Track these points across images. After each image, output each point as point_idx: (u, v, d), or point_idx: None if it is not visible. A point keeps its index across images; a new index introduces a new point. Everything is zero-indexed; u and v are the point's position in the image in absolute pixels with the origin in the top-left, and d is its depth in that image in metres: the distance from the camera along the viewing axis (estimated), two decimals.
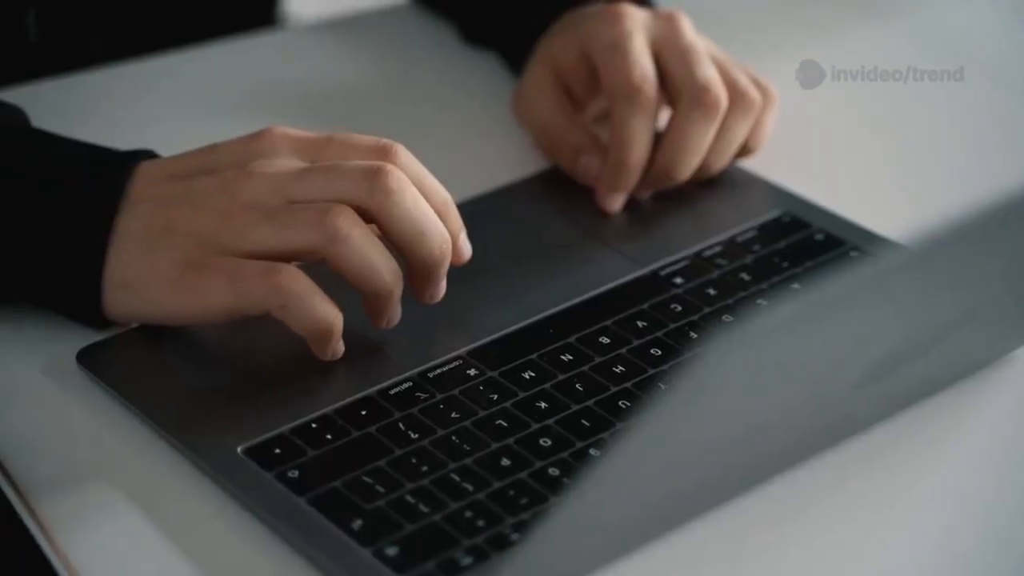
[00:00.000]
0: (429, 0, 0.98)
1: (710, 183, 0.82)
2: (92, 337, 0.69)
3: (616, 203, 0.80)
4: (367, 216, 0.67)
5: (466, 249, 0.71)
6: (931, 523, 0.64)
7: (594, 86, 0.83)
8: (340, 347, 0.68)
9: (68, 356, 0.68)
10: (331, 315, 0.66)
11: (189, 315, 0.67)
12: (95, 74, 0.90)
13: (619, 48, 0.79)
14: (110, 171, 0.68)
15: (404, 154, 0.69)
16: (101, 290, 0.67)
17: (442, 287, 0.70)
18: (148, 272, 0.66)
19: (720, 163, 0.81)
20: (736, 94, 0.80)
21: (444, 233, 0.68)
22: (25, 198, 0.67)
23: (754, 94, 0.80)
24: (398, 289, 0.67)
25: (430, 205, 0.68)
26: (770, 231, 0.79)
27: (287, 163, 0.68)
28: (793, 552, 0.62)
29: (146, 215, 0.67)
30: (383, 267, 0.66)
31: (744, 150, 0.82)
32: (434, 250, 0.68)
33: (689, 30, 0.81)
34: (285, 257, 0.66)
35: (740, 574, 0.62)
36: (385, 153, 0.68)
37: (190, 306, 0.66)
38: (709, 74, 0.79)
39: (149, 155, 0.70)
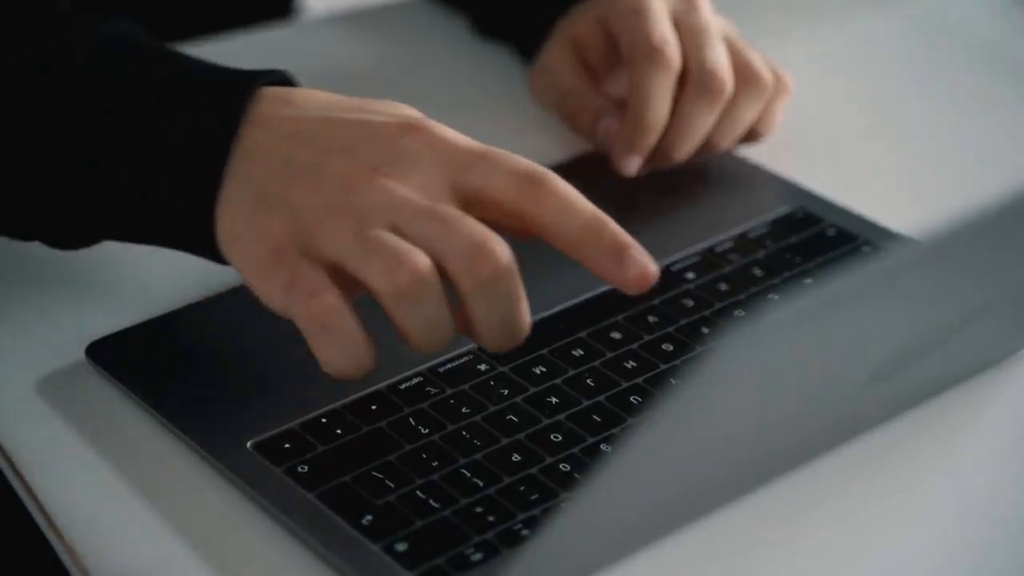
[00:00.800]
0: None
1: (721, 178, 0.82)
2: (101, 332, 0.69)
3: (633, 165, 0.80)
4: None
5: (635, 266, 0.63)
6: (940, 521, 0.64)
7: (612, 58, 0.84)
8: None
9: (78, 350, 0.68)
10: (356, 360, 0.62)
11: (256, 292, 0.63)
12: None
13: (640, 12, 0.80)
14: (231, 103, 0.64)
15: (553, 182, 0.63)
16: (215, 231, 0.64)
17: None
18: (245, 230, 0.63)
19: (724, 144, 0.81)
20: (747, 76, 0.80)
21: (525, 332, 0.63)
22: (153, 115, 0.65)
23: (766, 78, 0.80)
24: (438, 349, 0.63)
25: (576, 228, 0.62)
26: (782, 226, 0.78)
27: (421, 182, 0.62)
28: (803, 549, 0.62)
29: (269, 175, 0.63)
30: (432, 335, 0.62)
31: (752, 134, 0.83)
32: (510, 345, 0.63)
33: (707, 9, 0.81)
34: (353, 283, 0.62)
35: (750, 571, 0.61)
36: (534, 182, 0.63)
37: (255, 286, 0.63)
38: (718, 58, 0.79)
39: (277, 76, 0.66)
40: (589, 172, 0.81)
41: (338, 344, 0.61)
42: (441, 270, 0.61)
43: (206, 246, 0.65)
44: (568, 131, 0.85)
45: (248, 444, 0.64)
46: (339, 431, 0.65)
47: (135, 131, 0.65)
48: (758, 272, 0.75)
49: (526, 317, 0.63)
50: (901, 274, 0.53)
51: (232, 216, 0.63)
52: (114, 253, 0.71)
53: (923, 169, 0.86)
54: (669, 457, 0.55)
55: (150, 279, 0.73)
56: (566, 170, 0.81)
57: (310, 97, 0.66)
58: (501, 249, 0.61)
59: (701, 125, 0.80)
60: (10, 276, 0.73)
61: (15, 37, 0.67)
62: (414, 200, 0.62)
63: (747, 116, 0.81)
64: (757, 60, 0.81)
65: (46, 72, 0.66)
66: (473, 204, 0.63)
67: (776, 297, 0.73)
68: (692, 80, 0.79)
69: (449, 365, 0.68)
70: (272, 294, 0.62)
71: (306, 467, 0.63)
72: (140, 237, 0.67)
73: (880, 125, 0.90)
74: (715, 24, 0.81)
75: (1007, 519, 0.64)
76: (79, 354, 0.68)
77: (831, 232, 0.78)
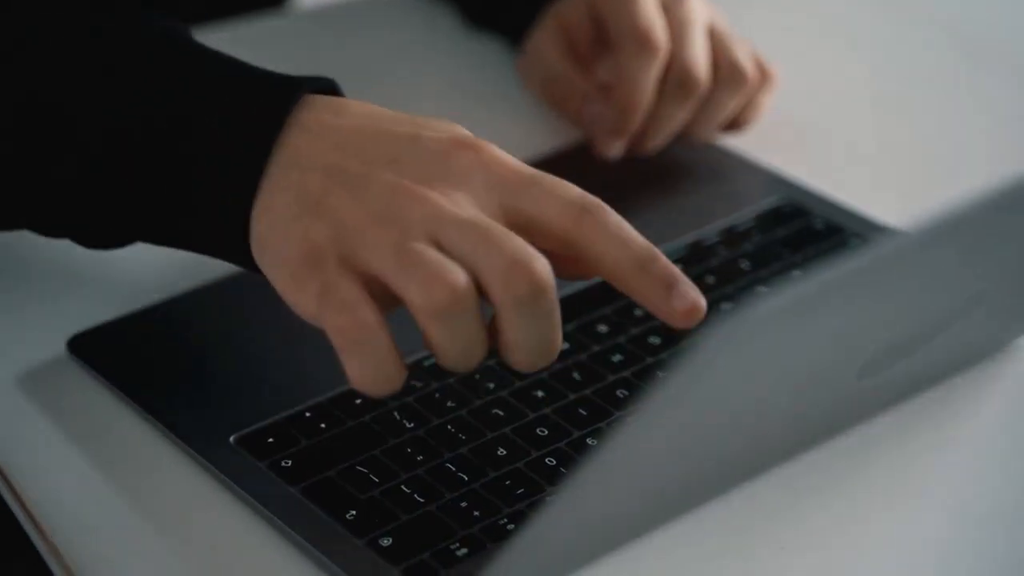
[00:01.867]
0: None
1: (708, 171, 0.82)
2: (82, 325, 0.68)
3: (616, 148, 0.81)
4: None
5: (684, 300, 0.61)
6: (932, 513, 0.64)
7: (600, 44, 0.84)
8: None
9: (59, 344, 0.68)
10: (385, 379, 0.59)
11: (286, 298, 0.62)
12: None
13: None
14: (277, 98, 0.63)
15: (606, 213, 0.61)
16: (250, 216, 0.62)
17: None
18: (282, 235, 0.61)
19: (702, 135, 0.82)
20: (727, 70, 0.80)
21: (556, 352, 0.62)
22: (194, 111, 0.63)
23: (746, 72, 0.80)
24: (470, 369, 0.62)
25: (627, 260, 0.61)
26: (769, 219, 0.78)
27: (470, 200, 0.61)
28: (792, 543, 0.62)
29: (310, 182, 0.61)
30: (461, 360, 0.60)
31: (734, 124, 0.83)
32: (541, 365, 0.61)
33: (693, 2, 0.82)
34: (389, 297, 0.60)
35: (738, 564, 0.61)
36: (588, 211, 0.61)
37: (285, 291, 0.61)
38: (695, 53, 0.80)
39: (322, 83, 0.65)
40: (577, 164, 0.81)
41: (370, 361, 0.59)
42: (479, 286, 0.59)
43: (239, 250, 0.63)
44: (558, 122, 0.85)
45: (231, 439, 0.63)
46: (323, 425, 0.64)
47: (176, 128, 0.63)
48: (745, 265, 0.75)
49: (559, 337, 0.60)
50: (890, 267, 0.53)
51: (270, 220, 0.61)
52: None
53: (912, 161, 0.86)
54: (656, 451, 0.55)
55: (133, 272, 0.73)
56: (554, 162, 0.82)
57: (359, 107, 0.64)
58: (542, 266, 0.59)
59: (674, 119, 0.80)
60: None
61: (68, 20, 0.65)
62: (458, 213, 0.60)
63: (724, 110, 0.81)
64: (740, 53, 0.81)
65: (101, 47, 0.64)
66: (522, 229, 0.61)
67: (764, 290, 0.73)
68: (669, 74, 0.80)
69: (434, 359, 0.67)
70: (304, 302, 0.60)
71: (290, 462, 0.62)
72: (173, 238, 0.65)
73: (869, 117, 0.90)
74: (701, 14, 0.81)
75: (999, 511, 0.64)
76: (61, 348, 0.68)
77: (819, 225, 0.78)
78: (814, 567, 0.61)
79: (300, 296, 0.60)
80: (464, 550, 0.59)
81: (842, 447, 0.65)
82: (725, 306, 0.72)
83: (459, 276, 0.58)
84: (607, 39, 0.83)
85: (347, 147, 0.62)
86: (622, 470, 0.54)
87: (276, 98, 0.63)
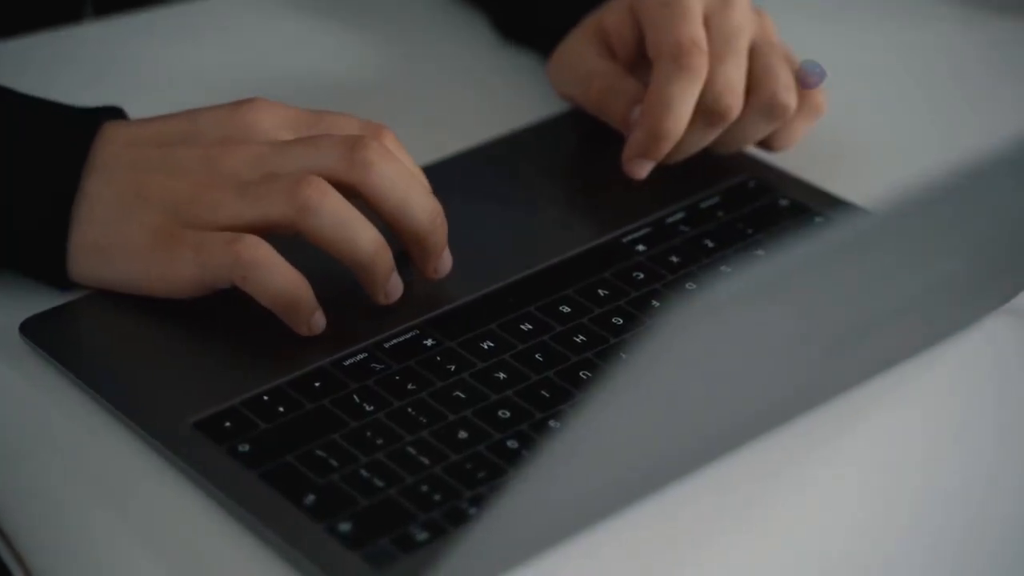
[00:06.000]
0: None
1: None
2: (35, 308, 0.67)
3: (644, 170, 0.75)
4: (351, 192, 0.65)
5: (447, 263, 0.69)
6: (903, 490, 0.64)
7: (639, 51, 0.77)
8: (319, 321, 0.66)
9: (11, 328, 0.67)
10: (293, 284, 0.64)
11: (156, 286, 0.66)
12: (82, 28, 0.89)
13: (673, 6, 0.74)
14: (76, 131, 0.67)
15: (391, 138, 0.68)
16: (67, 252, 0.66)
17: (446, 260, 0.69)
18: (118, 238, 0.65)
19: (725, 152, 0.78)
20: (765, 98, 0.74)
21: (431, 201, 0.67)
22: None
23: (783, 102, 0.74)
24: (381, 258, 0.66)
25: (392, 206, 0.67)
26: (734, 197, 0.77)
27: (270, 136, 0.67)
28: (760, 522, 0.61)
29: (121, 180, 0.66)
30: (360, 235, 0.65)
31: (764, 143, 0.78)
32: (422, 219, 0.66)
33: (741, 8, 0.75)
34: (259, 231, 0.65)
35: (706, 543, 0.61)
36: (373, 134, 0.67)
37: (157, 277, 0.65)
38: (730, 78, 0.73)
39: (116, 112, 0.69)
40: (535, 148, 0.80)
41: (275, 273, 0.64)
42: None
43: (56, 270, 0.66)
44: (489, 109, 0.83)
45: (188, 423, 0.62)
46: (282, 409, 0.63)
47: None
48: (710, 243, 0.74)
49: (425, 191, 0.67)
50: (855, 245, 0.52)
51: (100, 230, 0.65)
52: None
53: (878, 139, 0.85)
54: (618, 432, 0.54)
55: None
56: (514, 140, 0.81)
57: (141, 119, 0.68)
58: (377, 135, 0.66)
59: (698, 144, 0.75)
60: None
61: None
62: (272, 142, 0.66)
63: (752, 136, 0.76)
64: (781, 80, 0.74)
65: None
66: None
67: (728, 269, 0.72)
68: (700, 97, 0.74)
69: (395, 340, 0.67)
70: (180, 269, 0.64)
71: (248, 446, 0.61)
72: None
73: (836, 95, 0.89)
74: (747, 28, 0.75)
75: (966, 488, 0.64)
76: (13, 332, 0.67)
77: (784, 203, 0.77)
78: (781, 546, 0.61)
79: (175, 268, 0.64)
80: (425, 534, 0.58)
81: (809, 426, 0.65)
82: (689, 285, 0.71)
83: (305, 174, 0.64)
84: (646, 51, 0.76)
85: (140, 143, 0.67)
86: (583, 453, 0.53)
87: (77, 129, 0.67)
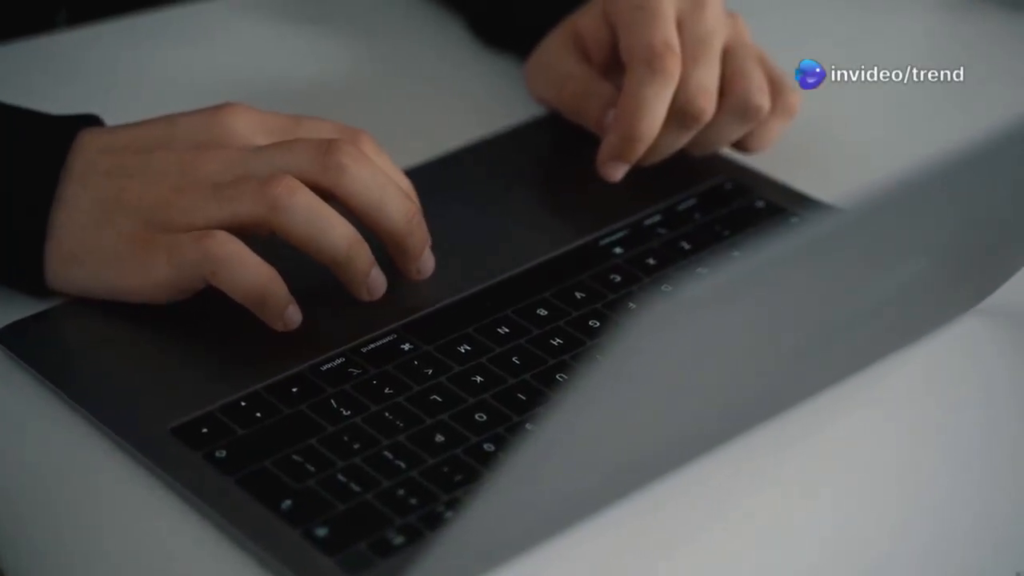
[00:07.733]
0: None
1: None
2: (12, 316, 0.67)
3: (619, 173, 0.75)
4: (327, 195, 0.66)
5: (428, 264, 0.69)
6: (880, 489, 0.64)
7: (613, 55, 0.77)
8: (293, 315, 0.66)
9: None
10: (265, 277, 0.64)
11: (134, 291, 0.66)
12: (56, 36, 0.89)
13: (646, 9, 0.74)
14: (53, 138, 0.67)
15: (370, 142, 0.68)
16: (44, 260, 0.66)
17: (427, 261, 0.69)
18: (94, 245, 0.66)
19: (699, 154, 0.78)
20: (738, 100, 0.75)
21: (407, 202, 0.67)
22: None
23: (757, 104, 0.75)
24: (357, 253, 0.66)
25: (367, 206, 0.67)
26: (711, 199, 0.77)
27: (247, 141, 0.67)
28: (737, 521, 0.61)
29: (97, 187, 0.66)
30: (332, 230, 0.65)
31: (739, 145, 0.78)
32: (398, 220, 0.67)
33: (714, 11, 0.75)
34: (233, 231, 0.65)
35: (684, 544, 0.61)
36: (350, 138, 0.68)
37: (133, 282, 0.65)
38: (703, 80, 0.74)
39: (92, 120, 0.69)
40: (512, 152, 0.80)
41: (246, 265, 0.64)
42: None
43: (33, 278, 0.66)
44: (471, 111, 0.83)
45: (165, 429, 0.62)
46: (259, 414, 0.63)
47: None
48: (687, 245, 0.74)
49: (400, 191, 0.67)
50: (827, 244, 0.53)
51: (78, 236, 0.66)
52: None
53: (856, 140, 0.85)
54: (593, 433, 0.54)
55: None
56: (492, 144, 0.81)
57: (116, 127, 0.68)
58: (354, 139, 0.67)
59: (672, 146, 0.76)
60: None
61: None
62: (248, 147, 0.66)
63: (726, 137, 0.77)
64: (755, 80, 0.75)
65: None
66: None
67: (704, 270, 0.72)
68: (673, 99, 0.74)
69: (372, 345, 0.67)
70: (155, 273, 0.65)
71: (225, 452, 0.61)
72: None
73: (811, 96, 0.89)
74: (719, 31, 0.75)
75: (940, 486, 0.64)
76: None
77: (760, 204, 0.77)
78: (757, 545, 0.61)
79: (149, 273, 0.65)
80: (401, 539, 0.58)
81: (783, 426, 0.65)
82: (665, 287, 0.71)
83: (276, 173, 0.65)
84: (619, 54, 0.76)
85: (117, 149, 0.67)
86: (559, 456, 0.53)
87: (53, 137, 0.67)
